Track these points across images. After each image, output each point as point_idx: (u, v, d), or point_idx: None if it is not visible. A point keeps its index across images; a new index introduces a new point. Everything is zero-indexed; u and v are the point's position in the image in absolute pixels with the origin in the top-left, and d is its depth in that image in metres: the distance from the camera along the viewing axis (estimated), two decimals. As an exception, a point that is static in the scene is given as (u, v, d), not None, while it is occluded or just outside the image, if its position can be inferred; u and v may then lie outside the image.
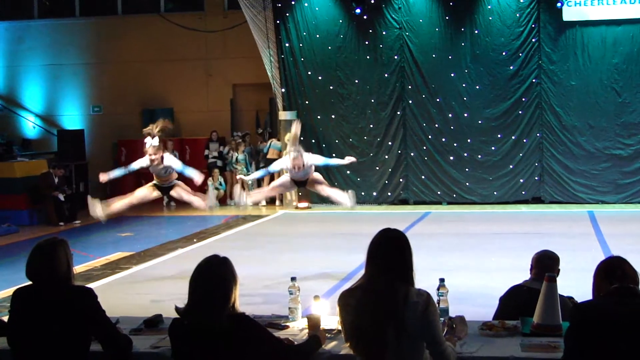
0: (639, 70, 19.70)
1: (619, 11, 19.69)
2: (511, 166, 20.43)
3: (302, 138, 12.18)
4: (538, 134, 20.31)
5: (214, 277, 4.54)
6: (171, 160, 11.86)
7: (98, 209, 11.75)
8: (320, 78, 21.27)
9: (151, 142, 11.50)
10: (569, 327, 4.45)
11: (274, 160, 21.84)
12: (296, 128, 12.41)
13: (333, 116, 21.22)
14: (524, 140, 20.33)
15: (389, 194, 21.16)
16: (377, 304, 4.42)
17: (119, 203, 12.05)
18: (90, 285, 11.44)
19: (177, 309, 4.64)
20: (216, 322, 4.47)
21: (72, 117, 25.56)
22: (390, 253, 4.54)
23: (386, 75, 20.89)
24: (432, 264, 12.26)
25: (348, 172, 20.95)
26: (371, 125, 21.06)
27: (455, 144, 20.63)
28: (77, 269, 12.64)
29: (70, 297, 4.90)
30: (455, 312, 5.54)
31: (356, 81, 21.06)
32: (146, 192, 12.12)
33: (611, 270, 4.55)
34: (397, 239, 4.61)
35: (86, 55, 25.40)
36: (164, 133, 11.74)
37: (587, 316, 4.38)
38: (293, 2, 21.31)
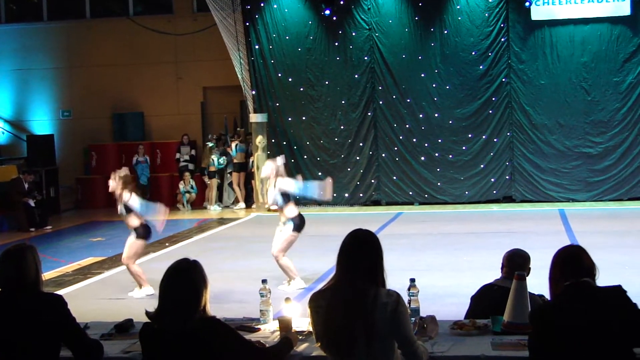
0: (607, 69, 19.83)
1: (586, 10, 19.79)
2: (482, 165, 20.50)
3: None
4: (508, 133, 20.39)
5: (184, 280, 4.53)
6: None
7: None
8: (290, 80, 21.22)
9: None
10: (531, 330, 4.54)
11: (242, 163, 21.88)
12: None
13: (304, 118, 21.18)
14: (495, 140, 20.41)
15: (361, 195, 21.16)
16: (347, 306, 4.42)
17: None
18: (62, 290, 11.45)
19: (147, 314, 4.63)
20: (187, 326, 4.45)
21: (42, 122, 25.38)
22: (360, 254, 4.54)
23: (356, 76, 20.89)
24: (404, 264, 12.31)
25: (320, 173, 20.95)
26: (342, 127, 21.05)
27: (426, 144, 20.67)
28: (49, 274, 12.72)
29: (40, 305, 4.87)
30: (427, 312, 5.57)
31: (326, 82, 21.03)
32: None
33: (567, 262, 4.62)
34: (367, 240, 4.61)
35: (55, 59, 25.23)
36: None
37: (545, 318, 4.47)
38: (262, 4, 21.26)
